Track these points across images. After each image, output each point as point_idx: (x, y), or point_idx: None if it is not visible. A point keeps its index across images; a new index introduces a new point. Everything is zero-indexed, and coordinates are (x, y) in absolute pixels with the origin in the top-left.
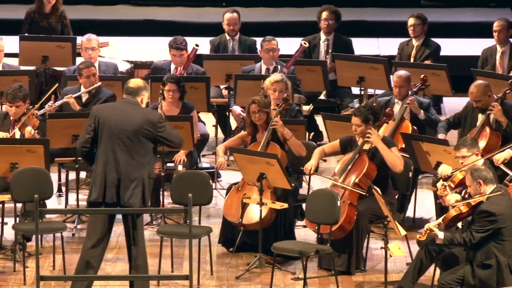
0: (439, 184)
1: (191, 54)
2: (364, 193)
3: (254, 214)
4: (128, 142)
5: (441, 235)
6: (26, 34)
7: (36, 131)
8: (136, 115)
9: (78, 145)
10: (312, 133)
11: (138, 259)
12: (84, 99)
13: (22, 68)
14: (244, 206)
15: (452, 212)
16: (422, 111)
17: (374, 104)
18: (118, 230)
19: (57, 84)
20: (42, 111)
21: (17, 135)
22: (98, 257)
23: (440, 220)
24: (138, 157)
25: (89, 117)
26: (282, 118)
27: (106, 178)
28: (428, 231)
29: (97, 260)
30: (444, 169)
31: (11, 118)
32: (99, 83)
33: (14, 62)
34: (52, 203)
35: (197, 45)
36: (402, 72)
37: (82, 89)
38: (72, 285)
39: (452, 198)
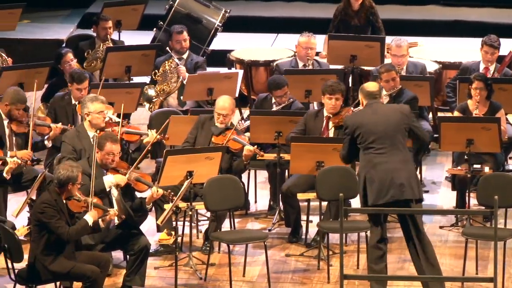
0: None
1: (507, 57)
2: None
3: None
4: (394, 140)
5: None
6: (334, 33)
7: None
8: (392, 112)
9: (341, 155)
10: None
11: (430, 257)
12: (385, 102)
13: (332, 67)
14: None
15: None
16: None
17: None
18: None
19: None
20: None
21: (331, 133)
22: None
23: None
24: (405, 152)
25: (347, 129)
26: None
27: (386, 178)
28: None
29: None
30: None
31: (325, 114)
32: (399, 87)
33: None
34: (357, 202)
35: None
36: None
37: (384, 92)
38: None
39: None
